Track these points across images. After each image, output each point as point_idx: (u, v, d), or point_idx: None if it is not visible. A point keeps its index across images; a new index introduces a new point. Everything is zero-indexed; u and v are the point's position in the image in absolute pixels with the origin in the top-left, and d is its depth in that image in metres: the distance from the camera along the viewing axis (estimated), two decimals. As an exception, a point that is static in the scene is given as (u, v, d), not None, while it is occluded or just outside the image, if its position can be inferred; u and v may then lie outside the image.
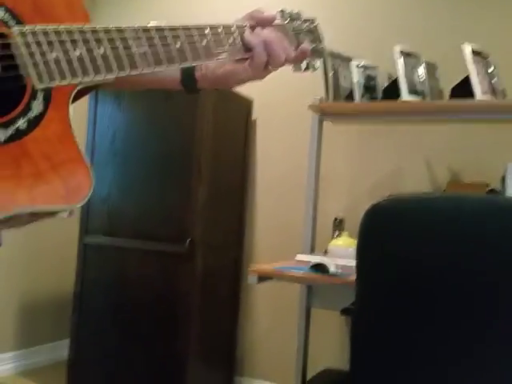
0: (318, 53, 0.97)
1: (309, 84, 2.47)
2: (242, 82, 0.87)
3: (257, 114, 2.83)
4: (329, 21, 2.69)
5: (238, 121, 2.75)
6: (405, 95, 2.04)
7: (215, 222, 2.55)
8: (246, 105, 2.78)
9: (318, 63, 0.98)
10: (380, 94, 2.22)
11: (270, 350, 2.76)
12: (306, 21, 0.96)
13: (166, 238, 2.43)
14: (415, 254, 1.24)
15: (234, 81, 0.86)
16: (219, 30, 0.79)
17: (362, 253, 1.34)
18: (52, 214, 0.58)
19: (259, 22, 0.85)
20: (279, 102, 2.75)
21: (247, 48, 0.83)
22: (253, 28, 0.84)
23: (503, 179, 2.02)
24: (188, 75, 0.85)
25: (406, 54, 2.13)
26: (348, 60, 2.22)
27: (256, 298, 2.81)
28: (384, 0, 2.58)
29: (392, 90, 2.13)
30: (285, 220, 2.72)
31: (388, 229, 1.26)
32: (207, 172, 2.44)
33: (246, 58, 0.84)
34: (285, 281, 1.92)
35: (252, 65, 0.83)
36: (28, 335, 2.96)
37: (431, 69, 2.23)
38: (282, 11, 0.93)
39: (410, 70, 2.11)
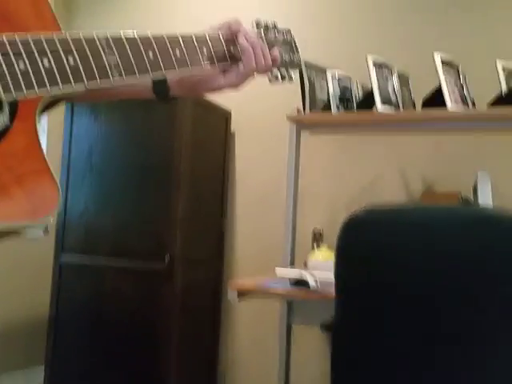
0: (293, 63, 0.97)
1: (286, 95, 2.45)
2: (219, 88, 0.86)
3: (235, 125, 2.81)
4: (303, 31, 2.69)
5: (216, 133, 2.72)
6: (379, 106, 2.03)
7: (195, 237, 2.51)
8: (224, 117, 2.76)
9: (293, 74, 0.97)
10: (355, 105, 2.22)
11: (251, 367, 2.72)
12: (281, 31, 0.96)
13: (145, 255, 2.38)
14: (392, 266, 1.22)
15: (210, 88, 0.86)
16: (193, 39, 0.78)
17: (340, 265, 1.31)
18: (17, 232, 0.55)
19: (235, 33, 0.85)
20: (257, 113, 2.73)
21: (230, 55, 0.84)
22: (229, 39, 0.84)
23: (475, 188, 2.03)
24: (159, 82, 0.84)
25: (379, 65, 2.13)
26: (323, 71, 2.21)
27: (237, 313, 2.76)
28: (357, 11, 2.58)
29: (367, 101, 2.13)
30: (265, 233, 2.69)
31: (365, 239, 1.24)
32: (186, 185, 2.40)
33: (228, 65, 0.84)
34: (265, 297, 1.88)
35: (240, 71, 0.84)
36: (1, 361, 2.86)
37: (404, 79, 2.23)
38: (257, 21, 0.93)
39: (383, 80, 2.10)
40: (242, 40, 0.84)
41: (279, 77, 0.93)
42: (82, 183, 2.52)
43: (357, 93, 2.24)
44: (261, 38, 0.90)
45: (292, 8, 2.69)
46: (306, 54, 2.32)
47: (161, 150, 2.42)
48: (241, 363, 2.75)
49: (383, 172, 2.48)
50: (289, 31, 0.97)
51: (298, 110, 2.19)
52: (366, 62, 2.04)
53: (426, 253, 1.17)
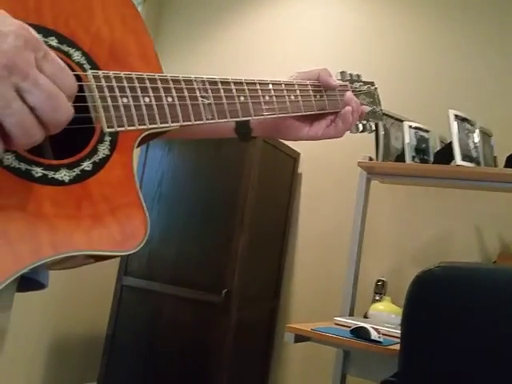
0: (375, 115, 0.97)
1: (357, 141, 2.45)
2: (303, 139, 0.87)
3: (303, 167, 2.82)
4: (381, 81, 2.70)
5: (283, 173, 2.74)
6: (458, 160, 1.99)
7: (253, 274, 2.50)
8: (292, 157, 2.78)
9: (374, 126, 0.97)
10: (431, 157, 2.18)
11: (299, 413, 2.64)
12: (365, 83, 0.97)
13: (203, 287, 2.40)
14: (468, 329, 1.17)
15: (295, 136, 0.87)
16: (282, 87, 0.79)
17: (409, 322, 1.27)
18: (105, 257, 0.57)
19: (324, 84, 0.86)
20: (326, 157, 2.73)
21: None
22: (316, 89, 0.85)
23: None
24: (243, 123, 0.85)
25: (461, 119, 2.10)
26: (400, 121, 2.20)
27: (289, 356, 2.71)
28: (437, 64, 2.57)
29: (444, 154, 2.09)
30: (324, 278, 2.65)
31: (440, 298, 1.20)
32: (249, 222, 2.42)
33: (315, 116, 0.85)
34: (323, 344, 1.84)
35: (339, 127, 0.86)
36: (56, 376, 2.92)
37: (485, 135, 2.18)
38: (343, 72, 0.94)
39: (464, 135, 2.07)
40: (350, 96, 0.87)
41: (361, 128, 0.94)
42: (151, 211, 2.56)
43: (434, 145, 2.20)
44: (347, 89, 0.91)
45: (371, 57, 2.71)
46: (383, 103, 2.33)
47: (227, 186, 2.46)
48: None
49: (456, 227, 2.40)
50: (372, 83, 0.98)
51: (371, 158, 2.18)
52: (448, 115, 2.01)
53: (506, 317, 1.11)
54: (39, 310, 2.78)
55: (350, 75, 0.94)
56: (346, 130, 0.88)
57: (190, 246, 2.48)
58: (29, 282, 0.49)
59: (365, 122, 0.94)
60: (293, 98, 0.80)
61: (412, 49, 2.64)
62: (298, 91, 0.81)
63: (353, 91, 0.92)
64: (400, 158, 2.15)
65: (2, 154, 0.47)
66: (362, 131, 0.95)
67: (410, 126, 2.16)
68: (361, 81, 0.95)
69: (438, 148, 2.21)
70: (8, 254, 0.47)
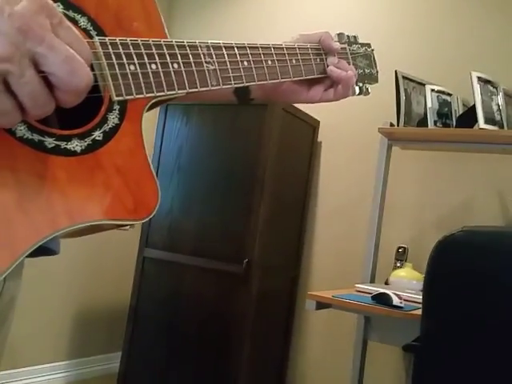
0: (371, 77, 0.97)
1: (377, 107, 2.42)
2: (302, 102, 0.88)
3: (323, 135, 2.79)
4: (402, 44, 2.64)
5: (303, 141, 2.72)
6: (481, 123, 1.94)
7: (274, 243, 2.51)
8: (312, 126, 2.75)
9: (370, 88, 0.96)
10: (454, 121, 2.14)
11: (321, 379, 2.67)
12: (362, 45, 0.96)
13: (224, 257, 2.41)
14: (490, 292, 1.15)
15: (293, 99, 0.88)
16: (284, 51, 0.79)
17: (431, 287, 1.26)
18: (116, 226, 0.57)
19: (325, 48, 0.86)
20: (346, 124, 2.70)
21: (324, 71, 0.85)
22: (317, 52, 0.86)
23: None
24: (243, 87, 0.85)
25: (484, 81, 2.04)
26: (421, 85, 2.15)
27: (310, 323, 2.73)
28: (459, 26, 2.49)
29: (467, 118, 2.04)
30: (344, 246, 2.64)
31: (463, 263, 1.18)
32: (269, 192, 2.41)
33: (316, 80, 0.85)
34: (344, 310, 1.85)
35: (338, 92, 0.86)
36: (82, 346, 3.00)
37: (509, 97, 2.12)
38: (340, 34, 0.94)
39: (488, 97, 2.01)
40: (344, 65, 0.86)
41: (357, 91, 0.94)
42: (170, 183, 2.59)
43: (457, 109, 2.15)
44: (345, 52, 0.91)
45: (392, 21, 2.64)
46: (404, 67, 2.28)
47: (247, 155, 2.44)
48: (310, 374, 2.71)
49: (478, 192, 2.36)
50: (369, 45, 0.97)
51: (392, 124, 2.14)
52: (470, 78, 1.96)
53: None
54: (64, 282, 2.84)
55: (348, 37, 0.94)
56: (345, 95, 0.87)
57: (210, 217, 2.49)
58: (39, 248, 0.49)
59: (361, 85, 0.95)
60: (294, 62, 0.80)
61: (433, 11, 2.56)
62: (299, 55, 0.81)
63: (351, 54, 0.92)
64: (422, 122, 2.11)
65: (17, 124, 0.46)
66: (359, 94, 0.94)
67: (432, 90, 2.12)
68: (358, 43, 0.95)
69: (461, 112, 2.16)
70: (26, 225, 0.47)
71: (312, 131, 2.76)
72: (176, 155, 2.61)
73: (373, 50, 0.97)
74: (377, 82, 0.99)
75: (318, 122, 2.77)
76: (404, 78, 2.09)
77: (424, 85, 2.14)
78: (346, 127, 2.70)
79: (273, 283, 2.56)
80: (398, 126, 2.11)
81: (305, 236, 2.77)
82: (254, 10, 3.08)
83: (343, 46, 0.91)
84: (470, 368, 1.17)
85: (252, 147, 2.43)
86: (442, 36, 2.52)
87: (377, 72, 0.98)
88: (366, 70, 0.95)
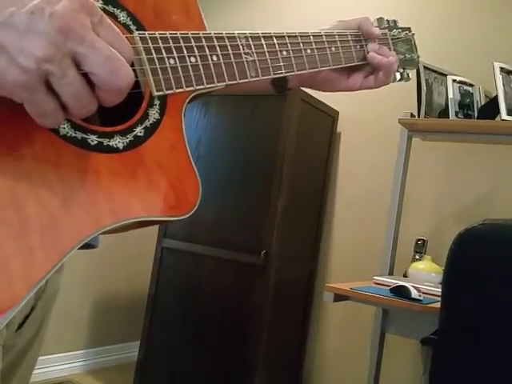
0: (412, 63, 0.94)
1: (397, 98, 2.39)
2: (342, 90, 0.85)
3: (342, 126, 2.77)
4: (423, 33, 2.59)
5: (322, 132, 2.70)
6: (503, 115, 1.91)
7: (292, 234, 2.50)
8: (331, 116, 2.73)
9: (410, 74, 0.94)
10: (475, 112, 2.10)
11: (337, 371, 2.67)
12: (402, 29, 0.94)
13: (242, 248, 2.41)
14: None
15: (332, 88, 0.85)
16: (323, 39, 0.78)
17: (450, 280, 1.25)
18: (159, 222, 0.57)
19: (365, 34, 0.84)
20: (366, 115, 2.67)
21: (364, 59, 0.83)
22: (357, 39, 0.83)
23: None
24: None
25: (507, 72, 2.00)
26: (443, 75, 2.12)
27: (328, 315, 2.73)
28: (482, 16, 2.44)
29: (489, 109, 2.01)
30: (363, 238, 2.63)
31: (484, 256, 1.17)
32: (288, 182, 2.40)
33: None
34: (363, 303, 1.84)
35: (379, 79, 0.84)
36: (101, 335, 3.04)
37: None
38: (380, 19, 0.91)
39: (510, 88, 1.97)
40: (385, 51, 0.84)
41: (398, 77, 0.91)
42: (189, 173, 2.60)
43: (479, 100, 2.12)
44: (386, 38, 0.88)
45: (413, 9, 2.60)
46: (425, 57, 2.24)
47: (266, 146, 2.44)
48: (327, 366, 2.72)
49: (500, 184, 2.32)
50: (409, 29, 0.94)
51: (412, 115, 2.12)
52: (493, 68, 1.92)
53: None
54: (83, 272, 2.87)
55: (388, 22, 0.91)
56: (386, 82, 0.85)
57: (228, 208, 2.49)
58: None
59: (402, 71, 0.92)
60: (333, 49, 0.79)
61: (455, 0, 2.52)
62: (338, 42, 0.80)
63: (391, 39, 0.89)
64: (443, 113, 2.08)
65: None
66: (400, 80, 0.92)
67: (454, 81, 2.08)
68: (398, 27, 0.92)
69: (483, 103, 2.13)
70: (71, 224, 0.47)
71: (331, 122, 2.74)
72: (195, 146, 2.62)
73: (413, 34, 0.95)
74: (417, 67, 0.96)
75: (337, 112, 2.75)
76: (425, 68, 2.06)
77: (446, 75, 2.11)
78: (366, 118, 2.68)
79: (290, 274, 2.56)
80: (418, 116, 2.09)
81: (323, 227, 2.77)
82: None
83: (383, 31, 0.88)
84: (489, 364, 1.16)
85: (271, 138, 2.42)
86: (464, 26, 2.48)
87: (418, 57, 0.95)
88: (407, 55, 0.92)
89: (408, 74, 0.93)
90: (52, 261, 0.45)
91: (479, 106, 2.11)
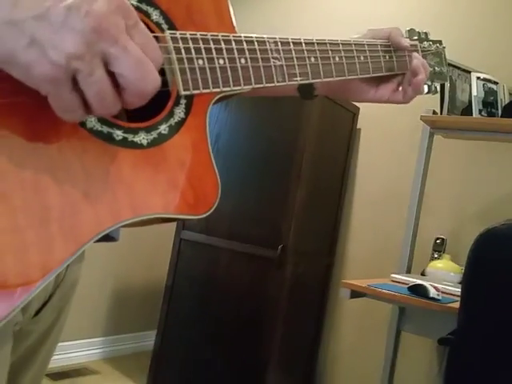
0: (441, 76, 0.93)
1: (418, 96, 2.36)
2: (368, 101, 0.85)
3: (362, 122, 2.75)
4: (446, 29, 2.56)
5: (342, 128, 2.68)
6: (529, 113, 1.88)
7: (309, 229, 2.50)
8: (351, 112, 2.71)
9: (439, 87, 0.93)
10: (499, 111, 2.07)
11: (351, 367, 2.67)
12: (433, 42, 0.93)
13: (259, 242, 2.42)
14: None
15: (360, 98, 0.85)
16: (352, 47, 0.77)
17: (470, 281, 1.24)
18: (176, 220, 0.58)
19: (395, 45, 0.83)
20: (386, 111, 2.65)
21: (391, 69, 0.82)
22: (386, 49, 0.83)
23: None
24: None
25: (533, 70, 1.96)
26: (467, 72, 2.09)
27: (343, 311, 2.72)
28: (507, 13, 2.39)
29: (514, 107, 1.98)
30: (381, 235, 2.61)
31: (505, 258, 1.15)
32: (306, 178, 2.40)
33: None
34: (380, 300, 1.83)
35: (408, 93, 0.82)
36: (118, 323, 3.08)
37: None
38: (411, 30, 0.90)
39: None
40: (422, 62, 0.82)
41: (426, 90, 0.90)
42: (208, 167, 2.60)
43: (503, 98, 2.09)
44: (417, 49, 0.87)
45: (437, 10, 2.56)
46: (449, 54, 2.21)
47: (285, 141, 2.43)
48: (341, 362, 2.72)
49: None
50: (440, 42, 0.93)
51: (435, 112, 2.09)
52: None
53: None
54: (102, 261, 2.90)
55: (419, 33, 0.90)
56: (414, 96, 0.84)
57: (246, 202, 2.50)
58: None
59: (430, 84, 0.91)
60: (362, 58, 0.78)
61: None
62: (367, 51, 0.79)
63: (422, 51, 0.88)
64: (466, 111, 2.05)
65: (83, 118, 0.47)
66: (427, 93, 0.91)
67: (478, 78, 2.05)
68: (429, 39, 0.92)
69: (507, 101, 2.09)
70: (91, 216, 0.48)
71: (351, 118, 2.72)
72: (214, 139, 2.62)
73: (444, 47, 0.94)
74: (446, 80, 0.96)
75: (358, 108, 2.73)
76: (449, 64, 2.03)
77: (470, 72, 2.08)
78: (387, 114, 2.65)
79: (307, 269, 2.56)
80: (441, 113, 2.06)
81: (341, 223, 2.76)
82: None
83: (414, 42, 0.87)
84: (506, 367, 1.15)
85: (291, 132, 2.42)
86: (488, 23, 2.43)
87: (447, 71, 0.94)
88: (437, 69, 0.91)
89: (436, 87, 0.92)
90: (69, 251, 0.46)
91: (503, 104, 2.08)
